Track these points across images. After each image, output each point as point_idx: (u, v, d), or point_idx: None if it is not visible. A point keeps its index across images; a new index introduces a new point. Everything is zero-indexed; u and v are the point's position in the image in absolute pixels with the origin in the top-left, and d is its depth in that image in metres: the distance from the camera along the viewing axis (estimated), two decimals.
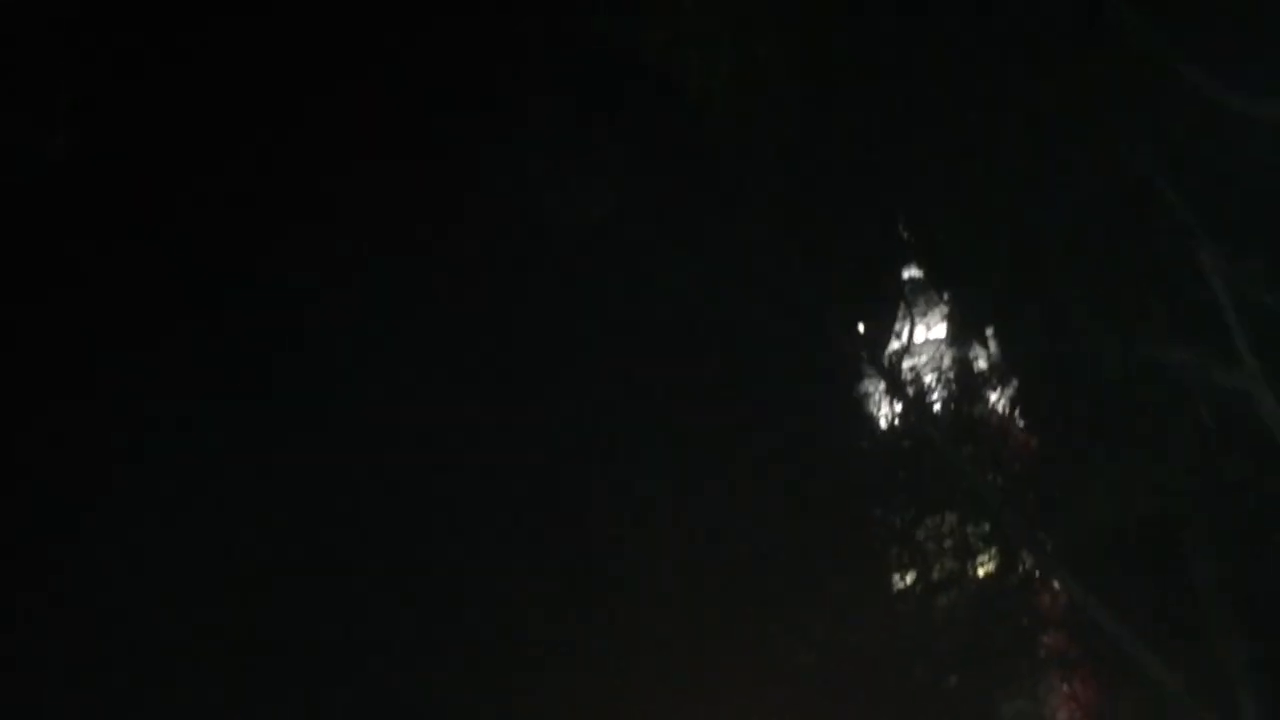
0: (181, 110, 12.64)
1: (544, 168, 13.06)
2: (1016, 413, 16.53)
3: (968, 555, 16.54)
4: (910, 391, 15.51)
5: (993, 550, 16.53)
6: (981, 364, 16.62)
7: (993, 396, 16.68)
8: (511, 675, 13.12)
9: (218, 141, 12.60)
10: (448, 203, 13.17)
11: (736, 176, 12.47)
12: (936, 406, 16.08)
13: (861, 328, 15.33)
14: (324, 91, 12.66)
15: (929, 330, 16.97)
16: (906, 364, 16.16)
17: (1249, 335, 9.45)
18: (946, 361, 16.63)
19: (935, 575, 16.58)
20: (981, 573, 16.70)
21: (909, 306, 16.66)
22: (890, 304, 16.74)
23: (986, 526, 16.09)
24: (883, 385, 16.29)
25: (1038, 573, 16.13)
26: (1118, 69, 9.40)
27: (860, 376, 16.81)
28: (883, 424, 17.23)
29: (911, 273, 16.53)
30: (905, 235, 14.24)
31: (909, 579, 16.82)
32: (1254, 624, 12.04)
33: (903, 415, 16.47)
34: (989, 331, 15.86)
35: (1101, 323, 10.40)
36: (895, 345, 16.79)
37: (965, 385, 16.54)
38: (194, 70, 12.56)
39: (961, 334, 16.41)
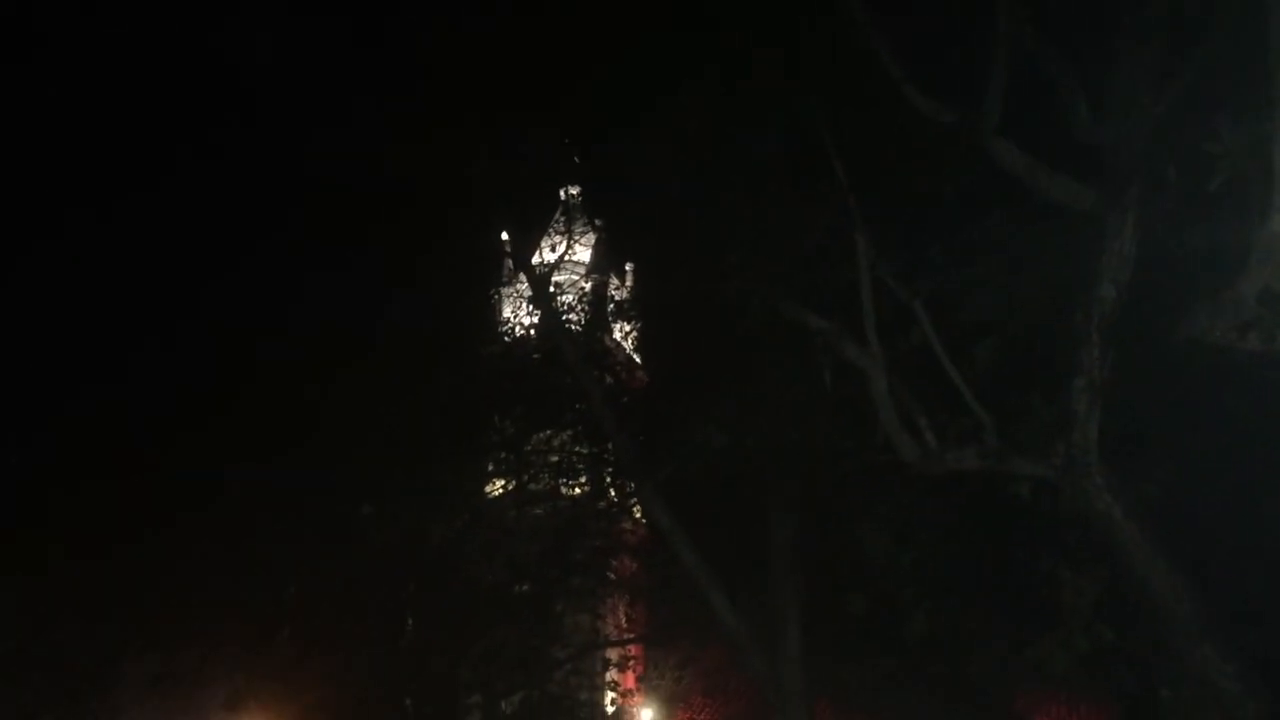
0: None
1: None
2: (644, 347, 17.25)
3: (569, 473, 17.33)
4: (551, 305, 15.65)
5: (593, 473, 17.34)
6: (620, 294, 17.16)
7: (625, 327, 17.38)
8: None
9: None
10: None
11: None
12: (572, 325, 16.45)
13: (506, 235, 15.50)
14: None
15: (577, 251, 17.24)
16: (553, 278, 16.37)
17: (878, 320, 10.16)
18: (589, 284, 17.13)
19: (534, 486, 17.38)
20: (577, 491, 17.61)
21: (567, 221, 17.01)
22: (545, 214, 17.09)
23: (590, 449, 16.92)
24: (526, 292, 16.42)
25: (630, 501, 17.04)
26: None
27: (502, 279, 17.24)
28: (518, 331, 17.63)
29: (572, 189, 16.89)
30: (575, 152, 14.77)
31: (509, 485, 17.62)
32: (809, 583, 13.28)
33: (539, 327, 16.71)
34: (629, 266, 16.30)
35: (748, 277, 11.17)
36: (546, 257, 17.08)
37: (602, 311, 16.99)
38: None
39: (607, 261, 16.78)
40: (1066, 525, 10.22)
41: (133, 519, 14.84)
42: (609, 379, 16.76)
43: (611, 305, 17.50)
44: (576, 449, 17.34)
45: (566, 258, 17.24)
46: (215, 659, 16.63)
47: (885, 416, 10.04)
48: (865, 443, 10.95)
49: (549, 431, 17.36)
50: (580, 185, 17.27)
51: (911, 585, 11.87)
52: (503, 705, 18.75)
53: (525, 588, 17.49)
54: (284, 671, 16.97)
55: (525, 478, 17.53)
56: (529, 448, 17.35)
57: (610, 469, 17.25)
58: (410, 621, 17.64)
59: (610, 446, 16.20)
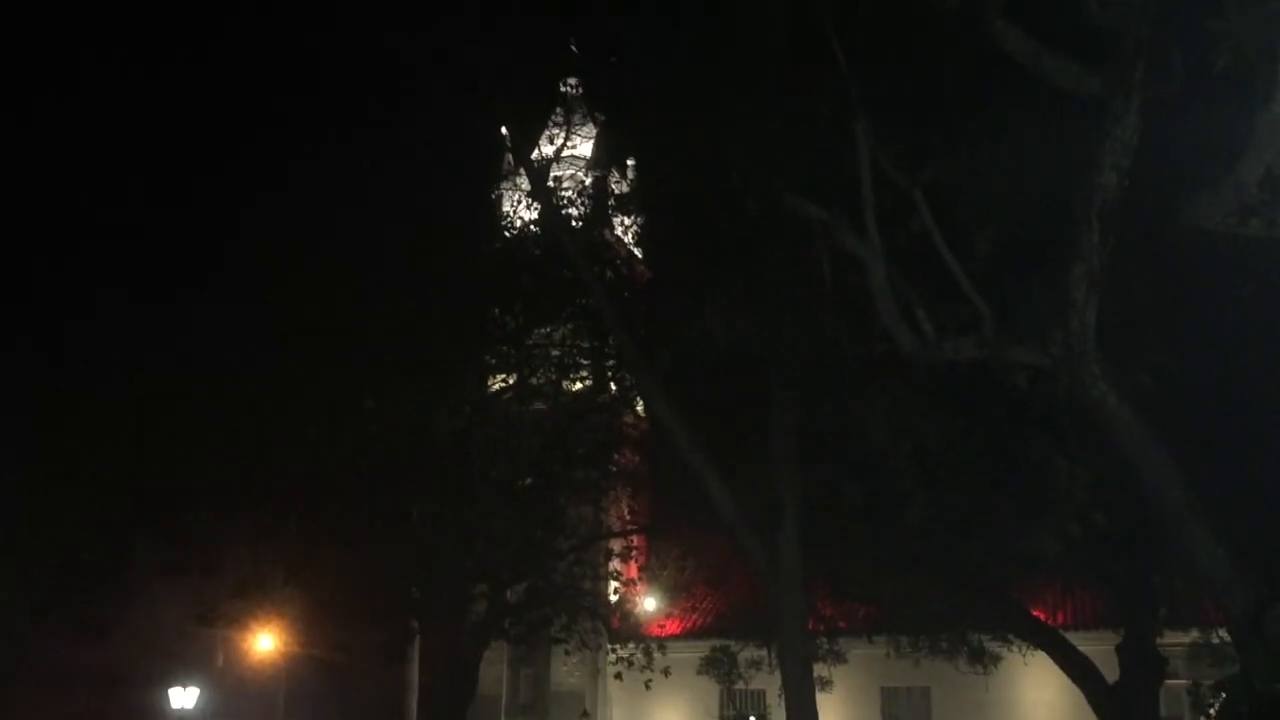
0: None
1: None
2: (645, 240, 17.28)
3: (570, 367, 17.53)
4: (551, 200, 15.59)
5: (594, 367, 17.51)
6: (621, 188, 16.98)
7: (626, 221, 17.37)
8: None
9: None
10: None
11: None
12: (573, 220, 16.37)
13: (506, 129, 15.36)
14: None
15: (577, 146, 17.14)
16: (552, 172, 16.35)
17: (878, 210, 10.01)
18: (589, 179, 16.94)
19: (535, 380, 17.59)
20: (578, 385, 17.81)
21: (566, 115, 16.85)
22: (545, 108, 16.90)
23: (592, 344, 17.07)
24: (525, 186, 16.43)
25: (631, 394, 17.21)
26: None
27: (502, 175, 17.14)
28: (518, 226, 17.65)
29: (571, 82, 16.70)
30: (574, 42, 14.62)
31: (510, 380, 17.81)
32: (808, 473, 13.41)
33: (539, 222, 16.70)
34: (630, 159, 16.20)
35: (749, 168, 11.01)
36: (545, 151, 16.97)
37: (602, 205, 16.88)
38: None
39: (607, 155, 16.60)
40: (1063, 414, 10.26)
41: (140, 408, 14.92)
42: (610, 273, 16.70)
43: (612, 199, 17.35)
44: (578, 343, 17.36)
45: (566, 152, 17.06)
46: (223, 549, 16.91)
47: (884, 306, 9.98)
48: (864, 333, 10.90)
49: (550, 326, 17.36)
50: (580, 78, 16.98)
51: (909, 474, 11.95)
52: (508, 594, 19.11)
53: (529, 481, 17.69)
54: (292, 561, 17.25)
55: (527, 372, 17.60)
56: (530, 342, 17.39)
57: (611, 363, 17.30)
58: (415, 513, 17.87)
59: (611, 340, 16.22)
